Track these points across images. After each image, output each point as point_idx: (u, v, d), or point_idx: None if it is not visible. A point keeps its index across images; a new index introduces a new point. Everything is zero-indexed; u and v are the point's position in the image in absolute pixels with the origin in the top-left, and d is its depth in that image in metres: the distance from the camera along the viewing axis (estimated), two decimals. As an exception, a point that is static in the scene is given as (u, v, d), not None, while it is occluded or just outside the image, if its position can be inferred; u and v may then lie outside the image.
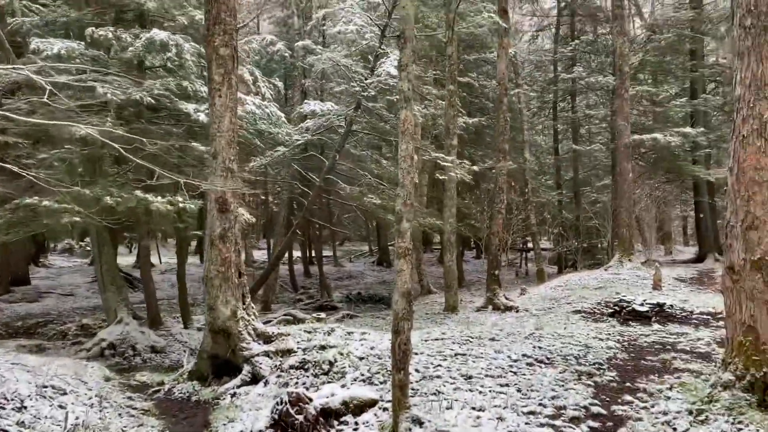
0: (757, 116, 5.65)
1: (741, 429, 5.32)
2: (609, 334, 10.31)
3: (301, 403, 6.41)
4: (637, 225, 28.33)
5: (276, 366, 8.51)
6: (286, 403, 6.37)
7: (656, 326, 11.08)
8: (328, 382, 7.68)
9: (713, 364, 8.06)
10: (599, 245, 27.40)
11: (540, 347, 9.11)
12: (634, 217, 25.92)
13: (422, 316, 15.66)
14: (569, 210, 27.84)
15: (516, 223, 21.76)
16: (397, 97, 16.20)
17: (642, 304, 11.97)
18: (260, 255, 34.54)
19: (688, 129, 22.74)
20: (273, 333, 9.26)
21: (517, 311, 14.94)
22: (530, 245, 27.33)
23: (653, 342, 9.71)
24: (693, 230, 45.62)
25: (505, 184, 15.65)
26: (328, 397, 6.81)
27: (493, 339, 9.73)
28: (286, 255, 28.89)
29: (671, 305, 12.09)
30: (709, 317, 11.88)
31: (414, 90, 7.02)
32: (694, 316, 11.96)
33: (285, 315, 14.83)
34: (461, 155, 18.63)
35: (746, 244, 5.91)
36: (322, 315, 13.32)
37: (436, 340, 9.70)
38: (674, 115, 26.51)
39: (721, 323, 11.72)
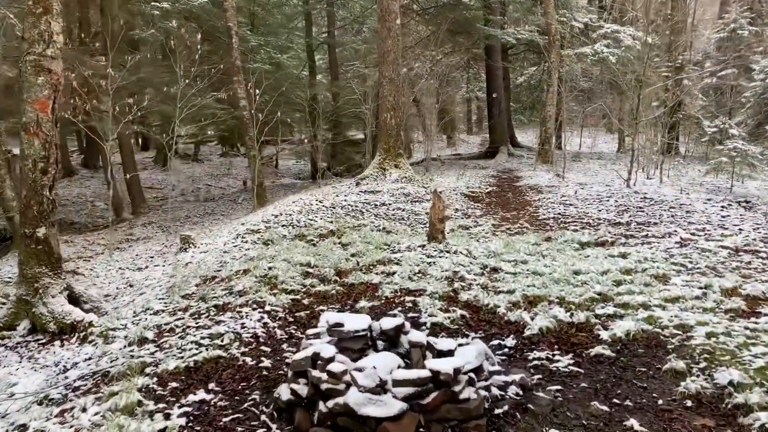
0: None
1: None
2: None
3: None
4: (417, 109, 20.51)
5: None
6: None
7: None
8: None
9: None
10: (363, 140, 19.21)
11: None
12: (412, 98, 17.84)
13: None
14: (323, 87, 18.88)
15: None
16: None
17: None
18: None
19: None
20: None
21: (88, 343, 5.57)
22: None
23: None
24: (477, 116, 40.22)
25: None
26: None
27: None
28: None
29: (437, 373, 3.61)
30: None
31: None
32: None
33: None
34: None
35: None
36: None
37: None
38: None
39: None
